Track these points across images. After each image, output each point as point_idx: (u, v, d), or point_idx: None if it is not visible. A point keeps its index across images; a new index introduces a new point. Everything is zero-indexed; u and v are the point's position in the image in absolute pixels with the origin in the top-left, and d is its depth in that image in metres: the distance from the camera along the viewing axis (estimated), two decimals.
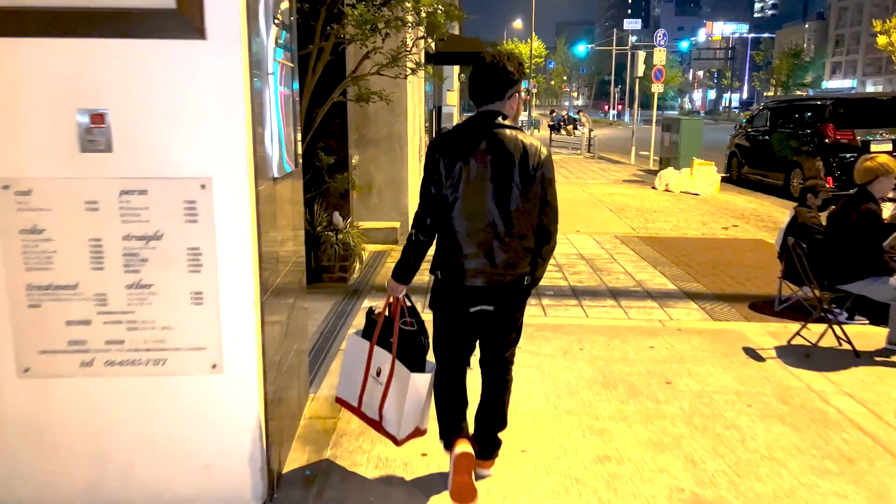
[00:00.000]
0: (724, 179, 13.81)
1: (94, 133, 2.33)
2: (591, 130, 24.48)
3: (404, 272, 2.70)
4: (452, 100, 22.70)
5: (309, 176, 6.07)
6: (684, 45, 69.82)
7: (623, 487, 2.87)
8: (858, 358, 4.40)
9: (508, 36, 65.98)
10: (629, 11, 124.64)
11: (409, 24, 5.83)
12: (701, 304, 5.68)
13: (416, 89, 9.47)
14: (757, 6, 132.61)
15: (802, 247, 4.73)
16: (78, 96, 2.31)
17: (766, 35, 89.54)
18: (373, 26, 5.15)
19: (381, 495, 2.78)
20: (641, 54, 19.95)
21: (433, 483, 2.86)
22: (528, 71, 39.74)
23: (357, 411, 2.91)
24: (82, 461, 2.55)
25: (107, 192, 2.38)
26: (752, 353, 4.49)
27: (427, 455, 3.06)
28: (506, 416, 2.90)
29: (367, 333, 2.87)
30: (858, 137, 11.76)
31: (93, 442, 2.54)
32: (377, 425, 2.83)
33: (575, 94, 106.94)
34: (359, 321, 4.85)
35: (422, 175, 2.66)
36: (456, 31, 21.04)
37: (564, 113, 43.34)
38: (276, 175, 2.74)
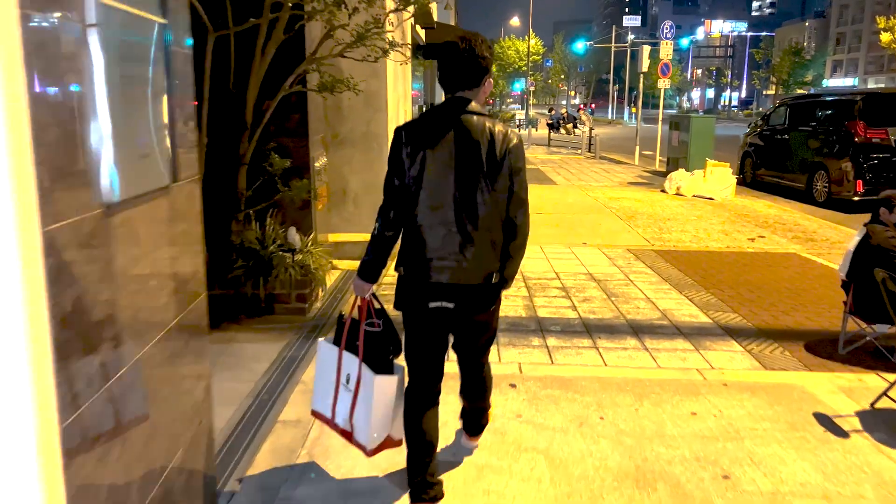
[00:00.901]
0: (737, 182, 12.65)
1: None
2: (591, 129, 23.53)
3: (369, 270, 2.53)
4: None
5: (259, 183, 4.94)
6: (685, 42, 68.75)
7: None
8: None
9: (506, 33, 64.70)
10: (627, 10, 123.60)
11: None
12: (745, 343, 4.55)
13: (399, 81, 8.31)
14: (755, 4, 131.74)
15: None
16: None
17: (764, 33, 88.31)
18: None
19: None
20: (646, 48, 18.85)
21: None
22: (525, 69, 38.65)
23: (331, 423, 2.72)
24: None
25: None
26: (828, 424, 3.38)
27: None
28: (489, 390, 2.86)
29: (337, 339, 2.70)
30: (892, 137, 10.62)
31: None
32: (349, 436, 2.65)
33: (573, 93, 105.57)
34: (312, 373, 3.72)
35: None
36: (451, 22, 19.92)
37: (563, 111, 42.23)
38: (111, 199, 1.62)
